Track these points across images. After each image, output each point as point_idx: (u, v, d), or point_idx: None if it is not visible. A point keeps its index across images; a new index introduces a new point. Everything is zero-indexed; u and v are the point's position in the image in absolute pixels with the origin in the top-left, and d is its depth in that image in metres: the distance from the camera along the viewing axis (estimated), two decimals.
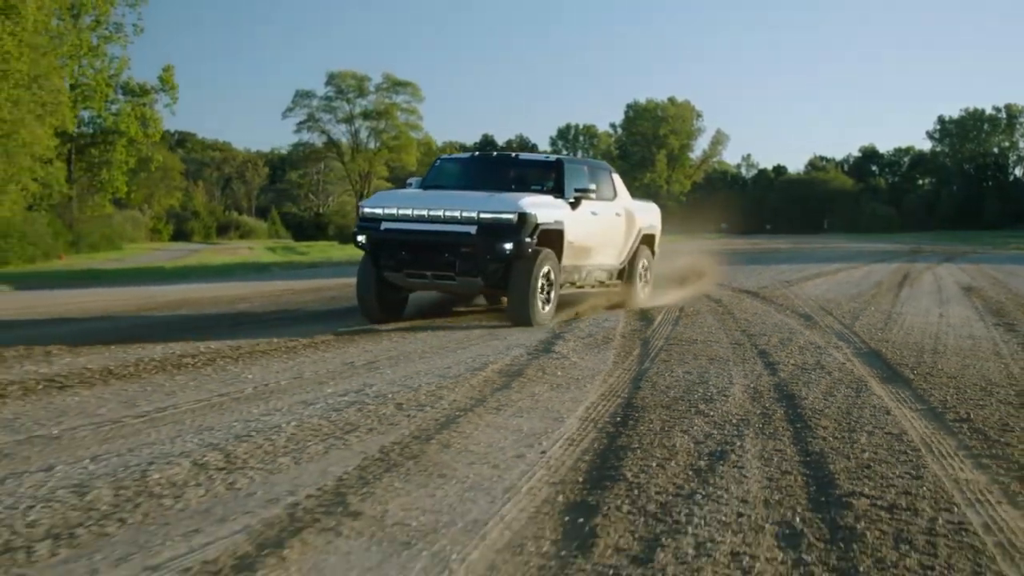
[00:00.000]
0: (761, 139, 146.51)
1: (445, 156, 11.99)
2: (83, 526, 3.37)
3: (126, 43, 46.53)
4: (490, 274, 9.32)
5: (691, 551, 3.15)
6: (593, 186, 10.39)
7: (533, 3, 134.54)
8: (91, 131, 45.86)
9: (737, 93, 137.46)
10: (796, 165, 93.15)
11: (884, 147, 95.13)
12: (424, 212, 9.45)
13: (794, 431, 4.87)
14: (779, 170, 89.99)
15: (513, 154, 11.68)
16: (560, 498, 3.73)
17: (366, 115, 60.69)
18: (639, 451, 4.44)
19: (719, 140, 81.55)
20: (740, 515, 3.51)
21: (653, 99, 78.73)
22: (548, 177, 10.50)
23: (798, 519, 3.48)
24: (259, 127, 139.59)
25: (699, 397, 5.75)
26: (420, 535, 3.29)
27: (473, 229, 9.15)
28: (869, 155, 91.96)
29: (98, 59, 44.88)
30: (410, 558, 3.08)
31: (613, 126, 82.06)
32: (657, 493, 3.79)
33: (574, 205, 10.12)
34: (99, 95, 44.61)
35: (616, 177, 11.92)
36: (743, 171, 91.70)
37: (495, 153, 11.77)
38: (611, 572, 2.97)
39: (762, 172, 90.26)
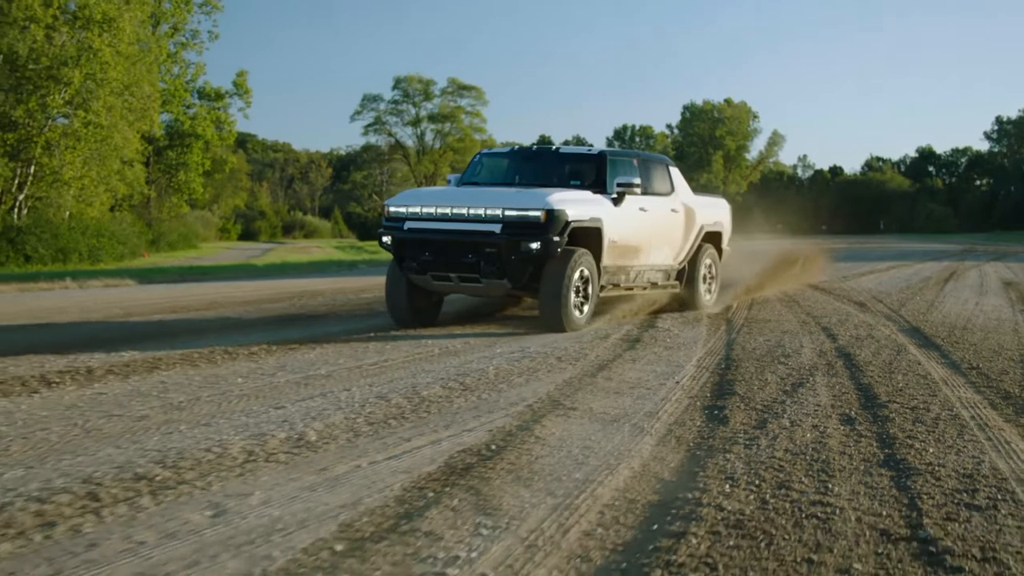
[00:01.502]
0: (817, 140, 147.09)
1: (485, 151, 11.53)
2: (404, 415, 5.56)
3: (202, 49, 49.48)
4: (517, 275, 9.04)
5: (787, 424, 5.26)
6: (638, 180, 9.86)
7: (590, 4, 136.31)
8: (169, 134, 48.72)
9: (794, 94, 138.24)
10: (852, 166, 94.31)
11: (941, 147, 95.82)
12: (448, 210, 9.19)
13: (850, 372, 6.97)
14: (835, 171, 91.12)
15: (553, 147, 11.09)
16: (697, 403, 5.87)
17: (432, 118, 63.28)
18: (743, 382, 6.57)
19: (775, 141, 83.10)
20: (816, 409, 5.63)
21: (710, 100, 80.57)
22: (589, 171, 10.08)
23: (852, 412, 5.59)
24: (318, 128, 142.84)
25: (779, 354, 7.86)
26: (619, 418, 5.44)
27: (498, 228, 8.89)
28: (926, 155, 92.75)
29: (176, 65, 47.75)
30: (619, 427, 5.23)
31: (669, 127, 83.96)
32: (760, 400, 5.91)
33: (617, 201, 9.77)
34: (177, 100, 47.45)
35: (674, 171, 11.41)
36: (799, 172, 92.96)
37: (535, 147, 11.09)
38: (742, 432, 5.09)
39: (818, 173, 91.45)
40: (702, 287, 11.56)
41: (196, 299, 13.78)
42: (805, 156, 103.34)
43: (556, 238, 8.86)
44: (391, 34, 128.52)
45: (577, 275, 9.15)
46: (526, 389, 6.21)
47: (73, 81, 31.98)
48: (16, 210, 33.39)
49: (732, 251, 12.89)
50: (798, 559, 3.16)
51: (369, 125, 65.75)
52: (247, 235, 65.34)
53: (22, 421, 5.19)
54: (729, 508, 3.71)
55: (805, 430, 5.08)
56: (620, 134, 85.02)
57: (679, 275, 11.24)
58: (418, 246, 9.31)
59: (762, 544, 3.30)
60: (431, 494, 3.87)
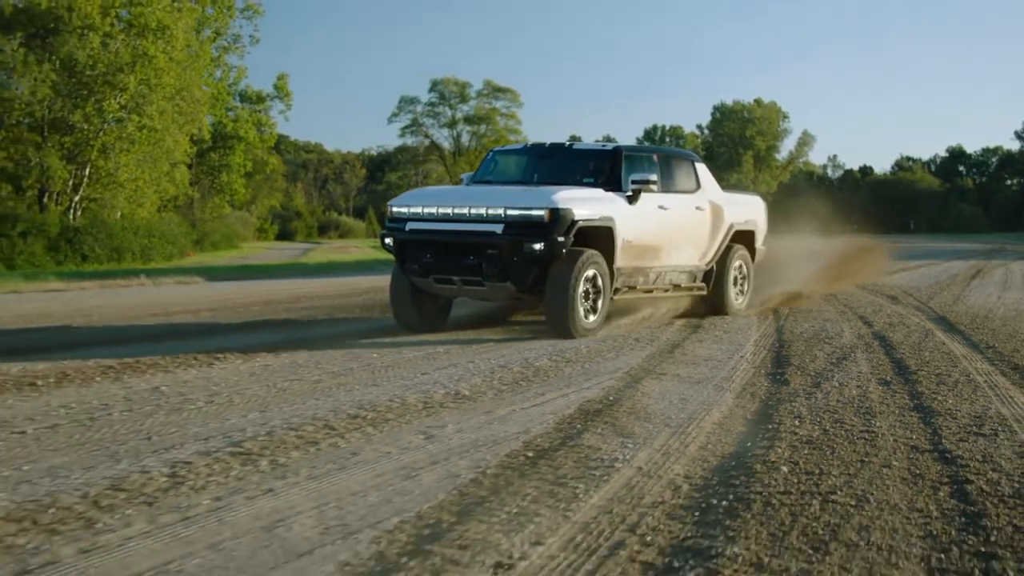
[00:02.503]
0: (847, 140, 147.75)
1: (498, 148, 11.41)
2: (529, 379, 7.03)
3: (243, 53, 51.25)
4: (521, 278, 8.88)
5: (837, 385, 6.70)
6: (654, 177, 9.60)
7: (622, 5, 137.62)
8: (212, 136, 50.51)
9: (823, 94, 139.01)
10: (882, 166, 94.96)
11: (972, 147, 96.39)
12: (449, 210, 9.06)
13: (884, 350, 8.41)
14: (865, 171, 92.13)
15: (567, 143, 10.83)
16: (762, 371, 7.32)
17: (468, 120, 64.93)
18: (796, 356, 8.02)
19: (805, 141, 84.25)
20: (858, 375, 7.07)
21: (740, 100, 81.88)
22: (603, 168, 9.81)
23: (888, 377, 7.03)
24: (350, 129, 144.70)
25: (823, 336, 9.30)
26: (702, 380, 6.90)
27: (499, 228, 8.72)
28: (956, 155, 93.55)
29: (218, 68, 49.52)
30: (704, 386, 6.68)
31: (700, 127, 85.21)
32: (812, 369, 7.36)
33: (632, 199, 9.55)
34: (220, 103, 49.22)
35: (701, 167, 11.15)
36: (829, 172, 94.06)
37: (548, 144, 10.78)
38: (802, 390, 6.52)
39: (848, 173, 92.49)
40: (732, 289, 11.28)
41: (279, 293, 15.35)
42: (835, 156, 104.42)
43: (561, 238, 8.65)
44: (420, 35, 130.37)
45: (586, 277, 8.93)
46: (618, 361, 7.68)
47: (129, 86, 33.66)
48: (71, 211, 35.12)
49: (796, 251, 13.67)
50: (854, 460, 4.62)
51: (406, 127, 67.52)
52: (283, 235, 67.13)
53: (223, 384, 6.67)
54: (800, 434, 5.17)
55: (851, 388, 6.53)
56: (650, 134, 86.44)
57: (706, 277, 10.92)
58: (420, 247, 9.18)
59: (827, 452, 4.76)
60: (578, 426, 5.34)
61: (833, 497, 3.99)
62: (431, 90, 65.55)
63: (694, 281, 10.81)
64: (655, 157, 10.50)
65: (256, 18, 50.35)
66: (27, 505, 3.83)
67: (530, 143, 11.20)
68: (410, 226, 9.31)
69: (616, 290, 9.53)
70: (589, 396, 6.20)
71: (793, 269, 13.80)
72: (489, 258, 8.82)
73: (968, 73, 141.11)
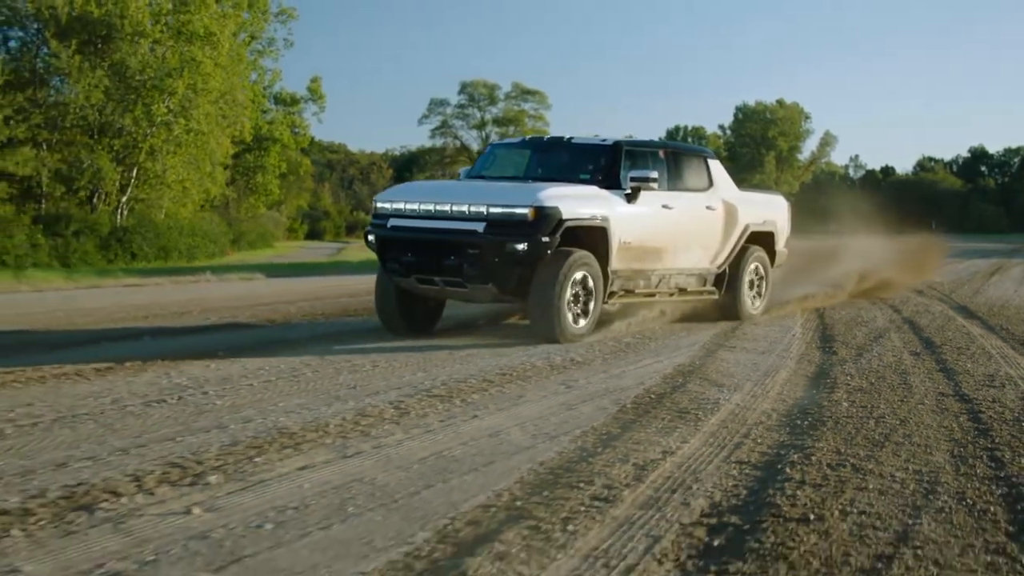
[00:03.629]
0: (869, 140, 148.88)
1: (497, 142, 11.13)
2: (625, 351, 8.71)
3: (277, 56, 53.07)
4: (504, 280, 8.60)
5: (876, 355, 8.37)
6: (654, 174, 9.23)
7: (646, 5, 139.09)
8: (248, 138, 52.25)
9: (845, 94, 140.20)
10: (904, 166, 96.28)
11: (994, 147, 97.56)
12: (431, 207, 8.82)
13: (913, 331, 10.07)
14: (887, 171, 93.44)
15: (566, 137, 10.39)
16: (812, 345, 8.99)
17: (496, 121, 66.63)
18: (839, 335, 9.68)
19: (827, 142, 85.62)
20: (893, 348, 8.74)
21: (762, 101, 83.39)
22: (602, 164, 9.52)
23: (917, 349, 8.69)
24: (374, 129, 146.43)
25: (860, 321, 10.96)
26: (765, 351, 8.57)
27: (481, 226, 8.43)
28: (978, 155, 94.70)
29: (254, 71, 51.33)
30: (768, 356, 8.34)
31: (722, 127, 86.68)
32: (854, 344, 9.02)
33: (631, 197, 9.24)
34: (255, 105, 51.04)
35: (714, 164, 10.83)
36: (851, 172, 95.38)
37: (546, 137, 10.66)
38: (848, 358, 8.19)
39: (870, 173, 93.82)
40: (747, 294, 10.97)
41: (350, 288, 17.03)
42: (857, 156, 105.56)
43: (546, 238, 8.37)
44: (442, 35, 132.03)
45: (574, 280, 8.66)
46: (692, 338, 9.37)
47: (177, 91, 35.45)
48: (118, 211, 36.97)
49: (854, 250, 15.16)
50: (895, 400, 6.29)
51: (436, 128, 69.26)
52: (312, 235, 68.94)
53: (383, 354, 8.33)
54: (852, 384, 6.85)
55: (888, 357, 8.21)
56: (672, 135, 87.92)
57: (718, 280, 10.61)
58: (401, 246, 8.90)
59: (875, 395, 6.44)
60: (680, 380, 7.02)
61: (883, 419, 5.67)
62: (460, 92, 67.40)
63: (704, 285, 10.50)
64: (661, 153, 10.06)
65: (290, 22, 52.19)
66: (310, 425, 5.49)
67: (528, 136, 10.79)
68: (392, 223, 9.03)
69: (612, 294, 9.25)
70: (679, 361, 7.88)
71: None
72: (470, 258, 8.49)
73: (991, 73, 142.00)
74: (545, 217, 8.40)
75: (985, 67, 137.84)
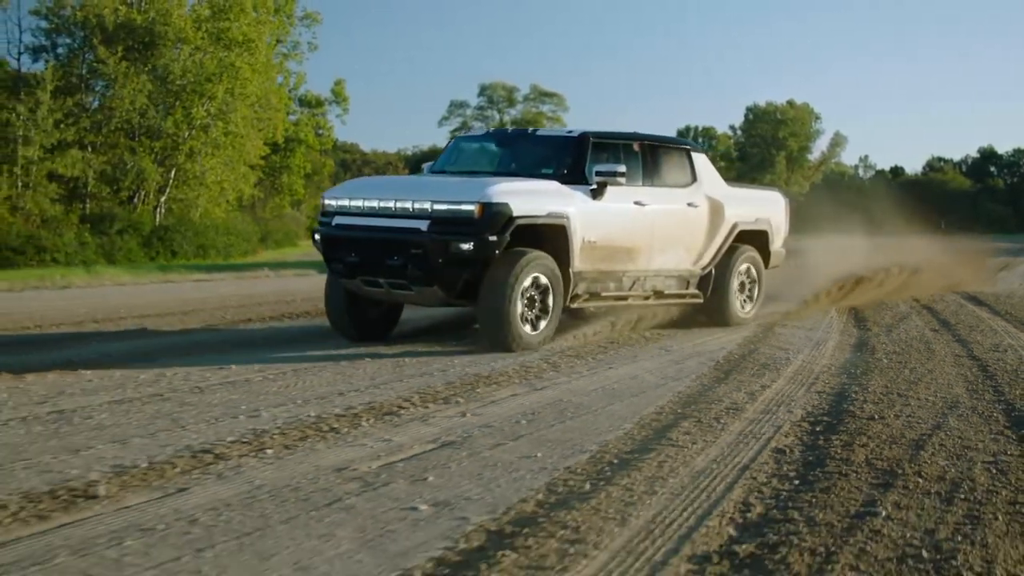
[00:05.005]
0: (878, 140, 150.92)
1: (461, 135, 10.30)
2: (694, 329, 10.82)
3: (301, 59, 55.22)
4: (450, 282, 8.21)
5: (903, 331, 10.48)
6: (622, 169, 8.81)
7: (654, 5, 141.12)
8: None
9: (855, 95, 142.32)
10: (914, 166, 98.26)
11: (1003, 148, 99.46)
12: (375, 203, 8.46)
13: (932, 314, 12.19)
14: (896, 171, 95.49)
15: (531, 129, 10.18)
16: (850, 325, 11.10)
17: (515, 123, 68.77)
18: (869, 318, 11.79)
19: (837, 142, 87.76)
20: (916, 326, 10.87)
21: (773, 102, 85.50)
22: (566, 157, 9.09)
23: (937, 327, 10.81)
24: (386, 129, 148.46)
25: (885, 307, 13.07)
26: (812, 328, 10.68)
27: (425, 224, 8.05)
28: (987, 156, 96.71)
29: (279, 74, 53.46)
30: (815, 331, 10.44)
31: (733, 128, 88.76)
32: (884, 323, 11.13)
33: (596, 193, 8.84)
34: (281, 107, 53.17)
35: (699, 158, 10.41)
36: (860, 172, 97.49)
37: (510, 130, 9.80)
38: (881, 332, 10.31)
39: (879, 173, 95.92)
40: (736, 298, 10.69)
41: None
42: (866, 156, 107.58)
43: (494, 237, 7.96)
44: (451, 35, 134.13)
45: (528, 283, 8.29)
46: (745, 326, 11.49)
47: (216, 95, 37.57)
48: (157, 210, 39.09)
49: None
50: (922, 358, 8.41)
51: (455, 130, 71.38)
52: None
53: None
54: (888, 349, 8.97)
55: (912, 332, 10.34)
56: (683, 135, 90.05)
57: (702, 283, 10.32)
58: (345, 245, 8.56)
59: (906, 356, 8.56)
60: (752, 347, 9.13)
61: (915, 369, 7.80)
62: (480, 94, 69.61)
63: (686, 287, 10.20)
64: (636, 146, 9.62)
65: (314, 26, 54.29)
66: (508, 369, 7.59)
67: (493, 128, 11.24)
68: (337, 221, 8.74)
69: (574, 297, 8.91)
70: (745, 335, 10.00)
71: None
72: (414, 259, 8.09)
73: (1000, 73, 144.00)
74: (493, 214, 7.98)
75: (994, 67, 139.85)
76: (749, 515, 3.97)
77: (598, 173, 8.85)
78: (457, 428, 5.55)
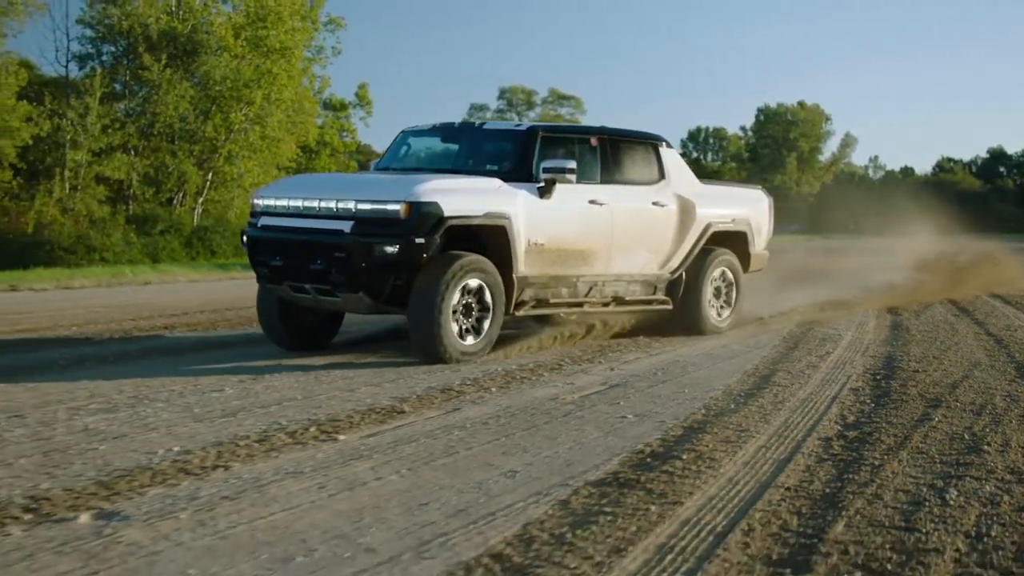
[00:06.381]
0: (888, 141, 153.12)
1: (409, 128, 10.05)
2: (752, 323, 13.01)
3: (326, 64, 57.42)
4: (376, 288, 7.76)
5: (929, 316, 12.65)
6: (572, 164, 8.37)
7: (664, 7, 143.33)
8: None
9: (865, 95, 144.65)
10: (924, 167, 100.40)
11: (1013, 148, 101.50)
12: (300, 203, 8.04)
13: (952, 304, 14.38)
14: (906, 171, 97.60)
15: (478, 123, 9.83)
16: (883, 310, 13.30)
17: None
18: (904, 311, 14.00)
19: (848, 143, 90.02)
20: (940, 312, 13.05)
21: (783, 103, 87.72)
22: (513, 153, 8.68)
23: (957, 313, 13.01)
24: (396, 130, 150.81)
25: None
26: (849, 322, 12.89)
27: (348, 225, 7.61)
28: (997, 156, 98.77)
29: (305, 78, 55.63)
30: (856, 316, 12.66)
31: (743, 129, 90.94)
32: (912, 310, 13.32)
33: (544, 191, 8.39)
34: (313, 111, 55.34)
35: (668, 154, 9.93)
36: (870, 172, 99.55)
37: (457, 123, 9.85)
38: (912, 317, 12.49)
39: (889, 174, 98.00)
40: (709, 304, 10.33)
41: None
42: (876, 157, 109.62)
43: (421, 239, 7.55)
44: (459, 38, 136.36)
45: (462, 289, 7.87)
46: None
47: (255, 101, 39.75)
48: (195, 211, 41.23)
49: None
50: (949, 333, 10.60)
51: None
52: None
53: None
54: (920, 328, 11.16)
55: (938, 317, 12.51)
56: (694, 136, 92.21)
57: (671, 288, 9.95)
58: (270, 248, 8.15)
59: (936, 332, 10.75)
60: (805, 328, 11.31)
61: (943, 342, 9.97)
62: (499, 97, 71.75)
63: (653, 293, 9.82)
64: (593, 140, 9.23)
65: (338, 31, 56.42)
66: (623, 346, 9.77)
67: (440, 123, 9.85)
68: (262, 221, 8.34)
69: (520, 304, 8.50)
70: (799, 321, 12.17)
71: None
72: (337, 263, 7.67)
73: (1010, 74, 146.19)
74: (420, 214, 7.57)
75: (1004, 68, 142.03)
76: (847, 420, 6.14)
77: (545, 170, 8.41)
78: (613, 377, 7.73)
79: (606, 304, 9.43)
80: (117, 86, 39.46)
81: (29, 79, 35.78)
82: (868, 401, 6.78)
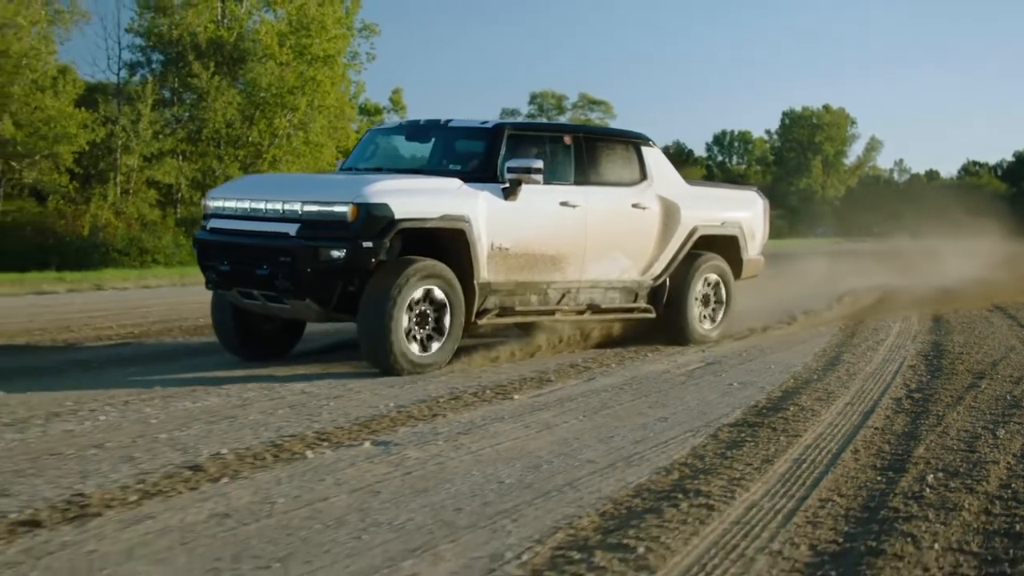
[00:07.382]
0: (914, 144, 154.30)
1: (375, 127, 9.87)
2: (797, 323, 14.61)
3: (360, 69, 59.18)
4: (323, 295, 7.47)
5: (967, 312, 14.20)
6: (538, 164, 8.02)
7: (691, 10, 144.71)
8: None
9: (891, 99, 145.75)
10: (949, 170, 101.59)
11: None
12: (247, 205, 7.78)
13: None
14: (931, 175, 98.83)
15: (444, 120, 9.13)
16: (923, 318, 14.91)
17: None
18: (948, 313, 15.60)
19: (873, 146, 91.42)
20: (977, 308, 14.64)
21: (808, 106, 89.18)
22: (478, 152, 8.40)
23: (992, 308, 14.60)
24: None
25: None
26: (889, 324, 14.48)
27: (293, 228, 7.37)
28: (1023, 159, 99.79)
29: (341, 84, 57.36)
30: (899, 314, 14.25)
31: (769, 132, 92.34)
32: (949, 307, 14.92)
33: (509, 192, 8.05)
34: (352, 116, 57.04)
35: (651, 153, 9.55)
36: (895, 176, 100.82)
37: (423, 121, 9.38)
38: (950, 312, 14.07)
39: (915, 177, 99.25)
40: (694, 312, 9.91)
41: None
42: (902, 160, 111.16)
43: (369, 243, 7.26)
44: (491, 42, 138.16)
45: (416, 296, 7.52)
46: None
47: (299, 107, 41.48)
48: None
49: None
50: (985, 325, 12.20)
51: None
52: None
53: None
54: (959, 321, 12.76)
55: (974, 312, 14.08)
56: (720, 139, 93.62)
57: (654, 295, 9.54)
58: (218, 252, 7.92)
59: (974, 325, 12.33)
60: (856, 320, 12.91)
61: (981, 332, 11.56)
62: (530, 102, 73.42)
63: (634, 300, 9.42)
64: (567, 139, 8.93)
65: (372, 37, 58.13)
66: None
67: (406, 120, 9.36)
68: (212, 224, 8.13)
69: (483, 312, 8.13)
70: (845, 320, 13.76)
71: None
72: (283, 268, 7.39)
73: None
74: (369, 217, 7.28)
75: None
76: (910, 386, 7.75)
77: (510, 170, 8.05)
78: (708, 356, 9.36)
79: (580, 312, 9.03)
80: (166, 93, 41.17)
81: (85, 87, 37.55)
82: (925, 374, 8.39)
